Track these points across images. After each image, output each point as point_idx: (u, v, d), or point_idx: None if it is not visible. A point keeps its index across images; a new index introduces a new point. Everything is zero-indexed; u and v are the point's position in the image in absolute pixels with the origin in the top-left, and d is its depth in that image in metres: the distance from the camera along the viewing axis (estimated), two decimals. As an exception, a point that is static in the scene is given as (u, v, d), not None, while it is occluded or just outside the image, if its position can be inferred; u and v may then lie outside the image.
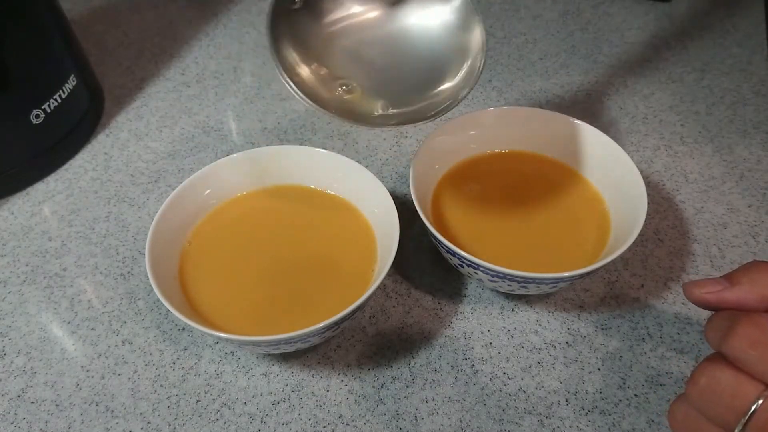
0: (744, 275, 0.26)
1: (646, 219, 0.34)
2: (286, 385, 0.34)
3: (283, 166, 0.40)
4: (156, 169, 0.47)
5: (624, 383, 0.34)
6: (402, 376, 0.34)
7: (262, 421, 0.33)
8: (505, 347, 0.36)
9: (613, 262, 0.33)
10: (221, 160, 0.39)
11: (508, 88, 0.53)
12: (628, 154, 0.38)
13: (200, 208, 0.38)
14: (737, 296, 0.26)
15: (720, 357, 0.25)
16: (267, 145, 0.48)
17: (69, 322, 0.37)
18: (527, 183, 0.41)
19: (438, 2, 0.34)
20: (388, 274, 0.37)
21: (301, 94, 0.32)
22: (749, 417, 0.23)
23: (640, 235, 0.33)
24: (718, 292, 0.27)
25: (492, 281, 0.34)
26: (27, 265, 0.40)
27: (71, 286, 0.39)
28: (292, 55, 0.33)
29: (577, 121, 0.41)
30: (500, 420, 0.33)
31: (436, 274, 0.39)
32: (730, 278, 0.27)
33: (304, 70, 0.33)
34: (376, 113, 0.33)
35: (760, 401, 0.23)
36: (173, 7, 0.63)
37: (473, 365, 0.35)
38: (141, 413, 0.33)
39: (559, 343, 0.36)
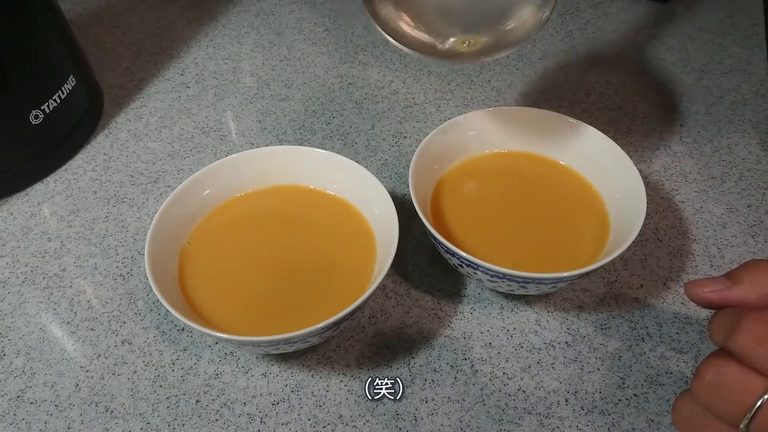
0: (745, 274, 0.27)
1: (645, 219, 0.34)
2: (286, 385, 0.34)
3: (283, 167, 0.40)
4: (155, 169, 0.47)
5: (623, 383, 0.34)
6: (401, 376, 0.34)
7: (261, 422, 0.33)
8: (505, 347, 0.36)
9: (612, 262, 0.33)
10: (220, 160, 0.39)
11: (507, 88, 0.53)
12: (628, 154, 0.38)
13: (199, 208, 0.38)
14: (739, 295, 0.26)
15: (725, 353, 0.25)
16: (266, 146, 0.48)
17: (68, 323, 0.37)
18: (526, 183, 0.41)
19: None
20: (388, 274, 0.37)
21: (397, 43, 0.33)
22: (755, 412, 0.23)
23: (639, 235, 0.33)
24: (719, 291, 0.27)
25: (491, 281, 0.34)
26: (26, 266, 0.40)
27: (70, 286, 0.39)
28: (387, 11, 0.34)
29: (576, 121, 0.41)
30: (500, 420, 0.33)
31: (435, 274, 0.39)
32: (732, 277, 0.27)
33: (399, 25, 0.34)
34: (464, 49, 0.34)
35: (766, 396, 0.23)
36: (172, 8, 0.63)
37: (473, 365, 0.35)
38: (140, 414, 0.33)
39: (559, 343, 0.36)
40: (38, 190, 0.45)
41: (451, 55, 0.34)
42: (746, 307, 0.26)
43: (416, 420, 0.33)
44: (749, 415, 0.23)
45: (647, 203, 0.35)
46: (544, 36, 0.59)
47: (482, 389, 0.34)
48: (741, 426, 0.24)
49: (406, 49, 0.33)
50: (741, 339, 0.24)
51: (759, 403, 0.23)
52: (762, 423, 0.23)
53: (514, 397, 0.33)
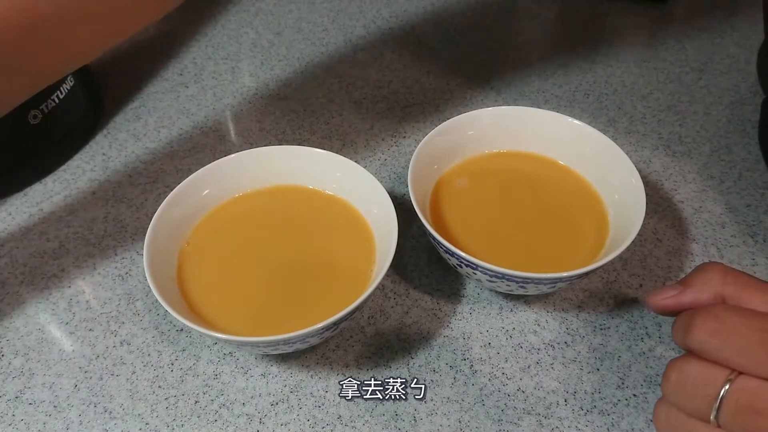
0: (696, 277, 0.29)
1: (644, 219, 0.34)
2: (285, 385, 0.34)
3: (282, 167, 0.40)
4: (154, 169, 0.46)
5: (623, 383, 0.34)
6: (401, 376, 0.34)
7: (260, 422, 0.33)
8: (504, 347, 0.36)
9: (611, 262, 0.33)
10: (219, 160, 0.39)
11: (506, 88, 0.53)
12: (627, 154, 0.38)
13: (198, 208, 0.38)
14: (692, 297, 0.28)
15: (688, 353, 0.27)
16: (265, 146, 0.48)
17: (67, 323, 0.37)
18: (525, 183, 0.41)
19: None
20: (387, 275, 0.37)
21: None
22: (720, 402, 0.24)
23: (638, 234, 0.33)
24: (674, 296, 0.29)
25: (490, 281, 0.34)
26: (25, 266, 0.40)
27: (69, 287, 0.39)
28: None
29: (576, 121, 0.41)
30: (499, 420, 0.33)
31: (434, 275, 0.39)
32: (684, 282, 0.29)
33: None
34: None
35: (727, 386, 0.24)
36: (171, 8, 0.63)
37: (472, 365, 0.35)
38: (139, 414, 0.33)
39: (558, 343, 0.36)
40: (37, 190, 0.45)
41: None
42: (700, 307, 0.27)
43: (415, 420, 0.33)
44: (715, 406, 0.24)
45: (646, 203, 0.35)
46: (543, 36, 0.59)
47: (481, 389, 0.34)
48: (711, 419, 0.25)
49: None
50: (695, 335, 0.25)
51: (721, 393, 0.24)
52: (728, 412, 0.24)
53: (513, 398, 0.33)
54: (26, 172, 0.45)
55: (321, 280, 0.35)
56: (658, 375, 0.34)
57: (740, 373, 0.24)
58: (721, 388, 0.24)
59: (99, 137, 0.49)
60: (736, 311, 0.26)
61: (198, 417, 0.33)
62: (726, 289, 0.27)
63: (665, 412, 0.27)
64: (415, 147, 0.38)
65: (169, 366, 0.35)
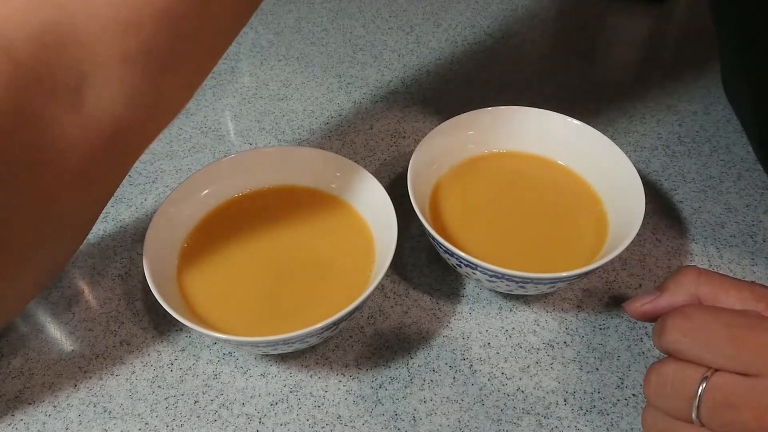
0: (671, 281, 0.29)
1: (644, 218, 0.34)
2: (285, 385, 0.34)
3: (281, 167, 0.40)
4: (153, 169, 0.46)
5: (622, 383, 0.34)
6: (400, 376, 0.34)
7: (260, 422, 0.33)
8: (504, 347, 0.36)
9: (611, 261, 0.33)
10: (219, 160, 0.39)
11: (506, 88, 0.53)
12: (626, 153, 0.38)
13: (198, 208, 0.38)
14: (668, 300, 0.29)
15: (666, 357, 0.27)
16: (265, 146, 0.48)
17: (66, 323, 0.37)
18: (525, 183, 0.41)
19: None
20: (386, 275, 0.37)
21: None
22: (699, 400, 0.25)
23: (638, 234, 0.33)
24: (651, 301, 0.30)
25: (490, 281, 0.34)
26: (24, 266, 0.40)
27: (69, 287, 0.39)
28: None
29: (575, 121, 0.41)
30: (498, 420, 0.33)
31: (434, 274, 0.39)
32: (660, 287, 0.30)
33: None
34: None
35: (704, 384, 0.25)
36: (171, 8, 0.63)
37: (471, 365, 0.35)
38: (139, 414, 0.33)
39: (557, 343, 0.36)
40: (36, 190, 0.45)
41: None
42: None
43: (415, 420, 0.33)
44: (695, 405, 0.25)
45: (646, 203, 0.35)
46: (543, 36, 0.59)
47: (481, 389, 0.34)
48: (693, 417, 0.25)
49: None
50: (669, 336, 0.26)
51: (699, 392, 0.25)
52: (707, 410, 0.24)
53: (512, 397, 0.33)
54: (26, 172, 0.45)
55: (321, 280, 0.35)
56: (657, 375, 0.34)
57: (716, 369, 0.25)
58: (698, 387, 0.25)
59: (98, 137, 0.49)
60: (705, 309, 0.26)
61: (197, 417, 0.33)
62: (701, 289, 0.28)
63: (651, 416, 0.28)
64: (415, 147, 0.38)
65: (169, 366, 0.35)
